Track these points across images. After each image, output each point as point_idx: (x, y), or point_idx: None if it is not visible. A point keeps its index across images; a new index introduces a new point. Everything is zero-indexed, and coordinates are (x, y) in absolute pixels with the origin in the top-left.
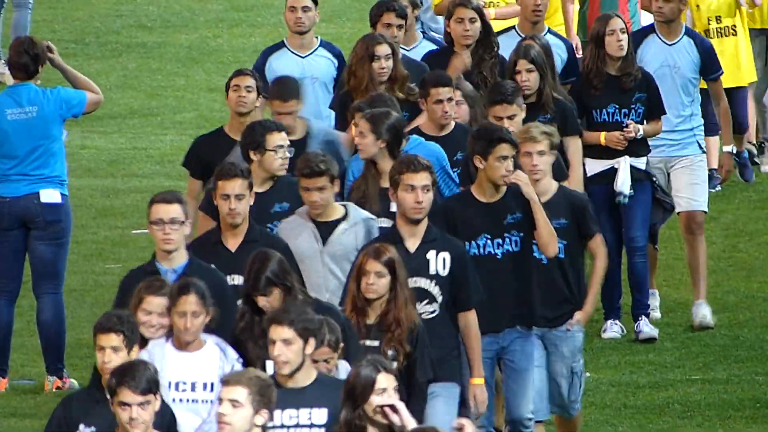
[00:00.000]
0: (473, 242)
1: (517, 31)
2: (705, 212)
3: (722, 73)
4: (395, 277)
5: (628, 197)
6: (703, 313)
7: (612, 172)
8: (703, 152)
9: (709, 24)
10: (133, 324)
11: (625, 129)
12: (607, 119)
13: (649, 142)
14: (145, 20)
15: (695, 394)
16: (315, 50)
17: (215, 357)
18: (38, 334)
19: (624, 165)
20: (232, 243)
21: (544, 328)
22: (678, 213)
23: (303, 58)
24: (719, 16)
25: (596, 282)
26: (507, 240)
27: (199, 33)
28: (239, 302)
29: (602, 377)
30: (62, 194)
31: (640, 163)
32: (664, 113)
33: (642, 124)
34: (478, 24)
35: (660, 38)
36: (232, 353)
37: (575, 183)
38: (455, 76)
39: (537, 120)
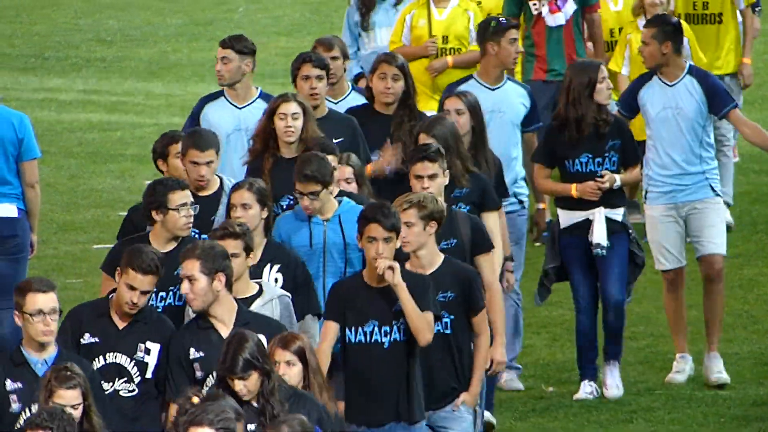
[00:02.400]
0: (360, 329)
1: (477, 80)
2: (723, 256)
3: (735, 106)
4: (306, 366)
5: (606, 249)
6: (719, 369)
7: (586, 223)
8: (717, 195)
9: (694, 8)
10: (66, 420)
11: (598, 179)
12: (580, 169)
13: (658, 190)
14: (104, 35)
15: (659, 409)
16: (252, 102)
17: None
18: None
19: (599, 216)
20: (121, 320)
21: (428, 411)
22: (697, 258)
23: (239, 109)
24: (706, 2)
25: (480, 359)
26: (395, 328)
27: (159, 47)
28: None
29: (565, 392)
30: (19, 209)
31: (617, 214)
32: (639, 159)
33: (617, 173)
34: (401, 83)
35: (660, 80)
36: None
37: (496, 258)
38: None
39: (453, 194)
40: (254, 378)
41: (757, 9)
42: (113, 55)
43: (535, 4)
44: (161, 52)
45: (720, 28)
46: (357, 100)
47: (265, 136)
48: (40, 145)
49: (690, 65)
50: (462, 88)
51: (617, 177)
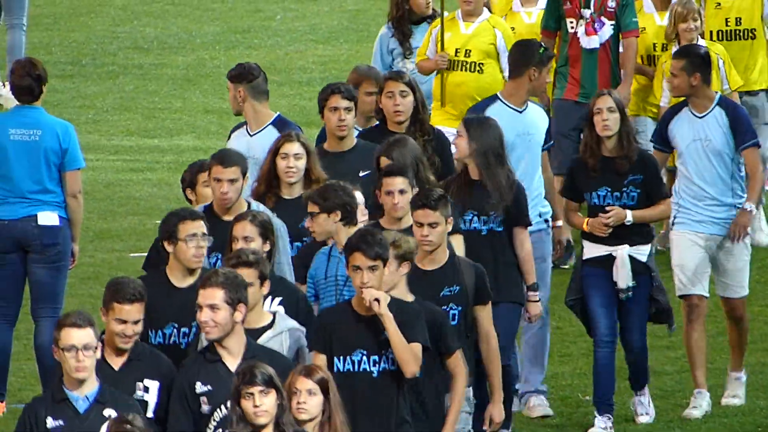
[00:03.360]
0: (348, 357)
1: (503, 102)
2: (744, 297)
3: (754, 144)
4: (328, 398)
5: (631, 292)
6: (733, 393)
7: (609, 258)
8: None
9: (726, 25)
10: None
11: (601, 214)
12: (597, 202)
13: (688, 218)
14: (141, 42)
15: (696, 418)
16: (262, 129)
17: None
18: (35, 358)
19: (621, 259)
20: (117, 360)
21: None
22: (720, 296)
23: (251, 136)
24: (739, 18)
25: (456, 402)
26: (384, 357)
27: (196, 55)
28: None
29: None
30: (60, 217)
31: (641, 254)
32: (666, 196)
33: (636, 208)
34: (410, 98)
35: (691, 112)
36: None
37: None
38: None
39: None
40: (272, 397)
41: None
42: (150, 62)
43: (572, 23)
44: (198, 59)
45: (753, 44)
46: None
47: (269, 177)
48: None
49: (720, 96)
50: (489, 110)
51: (628, 213)
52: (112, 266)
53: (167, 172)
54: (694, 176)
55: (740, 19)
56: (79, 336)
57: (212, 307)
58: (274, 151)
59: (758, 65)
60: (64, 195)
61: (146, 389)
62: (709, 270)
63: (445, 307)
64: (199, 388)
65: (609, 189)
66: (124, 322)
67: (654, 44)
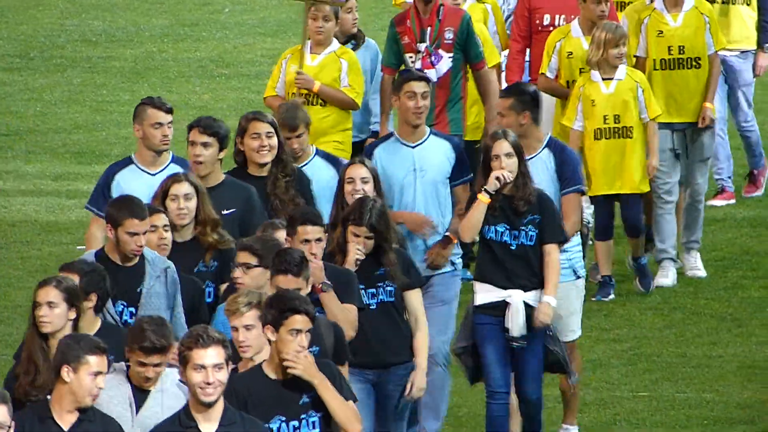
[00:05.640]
0: (266, 426)
1: (396, 138)
2: (574, 340)
3: (578, 188)
4: None
5: (524, 341)
6: None
7: (502, 305)
8: (578, 277)
9: (669, 53)
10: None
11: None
12: (494, 237)
13: None
14: (90, 35)
15: (642, 411)
16: (165, 167)
17: None
18: None
19: (515, 306)
20: (67, 419)
21: None
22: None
23: (153, 176)
24: (683, 47)
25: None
26: (304, 422)
27: (144, 48)
28: None
29: (549, 394)
30: None
31: (536, 300)
32: (560, 239)
33: (534, 248)
34: (275, 139)
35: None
36: None
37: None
38: None
39: (378, 272)
40: None
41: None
42: (98, 55)
43: (411, 57)
44: (147, 52)
45: (698, 73)
46: (320, 165)
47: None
48: (24, 145)
49: (550, 137)
50: (383, 146)
51: (548, 304)
52: (60, 259)
53: None
54: None
55: (683, 47)
56: None
57: (218, 366)
58: (163, 194)
59: (701, 95)
60: None
61: None
62: None
63: None
64: None
65: (508, 227)
66: (97, 374)
67: (581, 69)
